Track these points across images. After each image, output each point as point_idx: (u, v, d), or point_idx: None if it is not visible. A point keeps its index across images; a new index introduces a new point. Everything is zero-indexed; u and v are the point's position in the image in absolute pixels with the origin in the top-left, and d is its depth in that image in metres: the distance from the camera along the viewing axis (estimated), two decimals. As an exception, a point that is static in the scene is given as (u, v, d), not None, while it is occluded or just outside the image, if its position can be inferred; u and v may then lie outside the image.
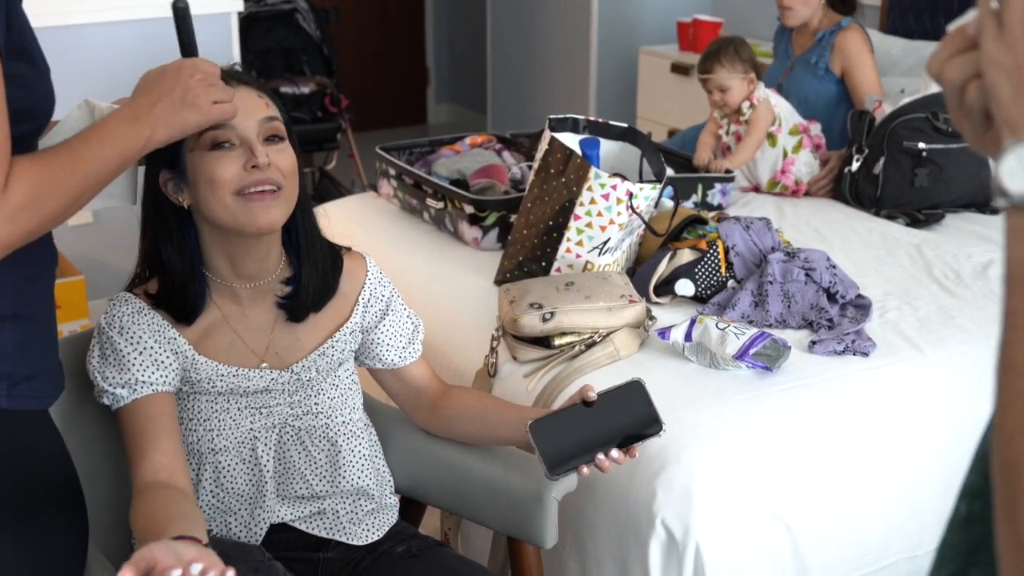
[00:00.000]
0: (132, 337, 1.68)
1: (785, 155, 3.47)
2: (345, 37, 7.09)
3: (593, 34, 5.54)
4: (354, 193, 5.02)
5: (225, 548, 1.55)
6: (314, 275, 1.77)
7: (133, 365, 1.68)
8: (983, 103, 0.79)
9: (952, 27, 0.86)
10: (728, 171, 3.28)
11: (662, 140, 4.03)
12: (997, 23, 0.79)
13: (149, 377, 1.68)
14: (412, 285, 2.79)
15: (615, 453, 1.67)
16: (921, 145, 3.27)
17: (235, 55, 4.32)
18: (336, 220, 3.27)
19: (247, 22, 5.26)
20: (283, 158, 1.66)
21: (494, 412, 1.90)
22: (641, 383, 1.73)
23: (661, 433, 1.70)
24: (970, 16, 0.84)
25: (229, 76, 1.66)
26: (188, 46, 1.59)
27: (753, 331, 2.17)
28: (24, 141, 1.39)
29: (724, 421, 2.04)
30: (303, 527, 1.83)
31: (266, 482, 1.78)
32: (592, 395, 1.71)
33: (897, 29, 4.30)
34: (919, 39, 4.13)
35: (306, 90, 5.21)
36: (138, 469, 1.64)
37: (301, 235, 1.77)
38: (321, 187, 5.54)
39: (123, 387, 1.68)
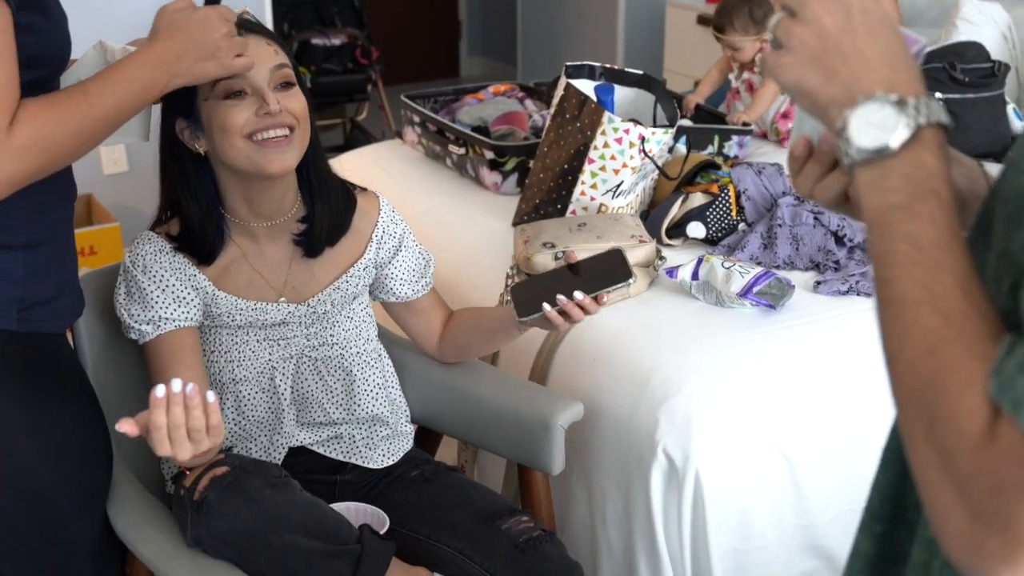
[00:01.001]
0: (155, 276, 1.78)
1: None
2: (377, -10, 7.15)
3: (621, -14, 5.58)
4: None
5: (243, 463, 1.65)
6: (327, 211, 1.86)
7: (156, 303, 1.77)
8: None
9: (792, 146, 0.97)
10: (746, 124, 3.32)
11: (686, 90, 4.07)
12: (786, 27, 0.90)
13: (171, 314, 1.78)
14: (433, 227, 2.88)
15: (579, 295, 1.76)
16: (938, 95, 3.30)
17: (266, 9, 4.40)
18: (362, 166, 3.39)
19: (279, -26, 5.33)
20: (294, 102, 1.74)
21: (487, 317, 2.02)
22: (621, 250, 1.81)
23: (630, 282, 1.76)
24: (808, 130, 0.97)
25: (241, 25, 1.73)
26: None
27: (758, 270, 2.24)
28: (42, 84, 1.48)
29: (727, 355, 2.12)
30: (320, 450, 1.93)
31: (284, 409, 1.88)
32: (576, 258, 1.82)
33: (923, -20, 4.31)
34: (945, -11, 4.14)
35: (337, 42, 5.29)
36: None
37: (313, 174, 1.86)
38: (352, 137, 5.63)
39: (148, 323, 1.78)
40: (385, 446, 1.99)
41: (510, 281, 2.43)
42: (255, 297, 1.84)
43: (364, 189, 1.98)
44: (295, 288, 1.87)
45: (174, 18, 1.56)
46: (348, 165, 3.42)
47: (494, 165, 3.00)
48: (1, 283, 1.51)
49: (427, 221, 2.93)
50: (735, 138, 3.27)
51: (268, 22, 4.40)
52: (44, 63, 1.49)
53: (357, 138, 5.51)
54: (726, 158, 3.23)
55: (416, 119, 3.33)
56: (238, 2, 1.82)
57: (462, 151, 3.10)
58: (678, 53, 5.21)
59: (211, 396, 1.43)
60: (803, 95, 0.90)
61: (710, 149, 3.22)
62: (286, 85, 1.75)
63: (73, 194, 1.68)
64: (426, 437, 2.20)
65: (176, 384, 1.40)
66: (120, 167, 4.23)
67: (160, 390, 1.39)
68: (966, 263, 0.80)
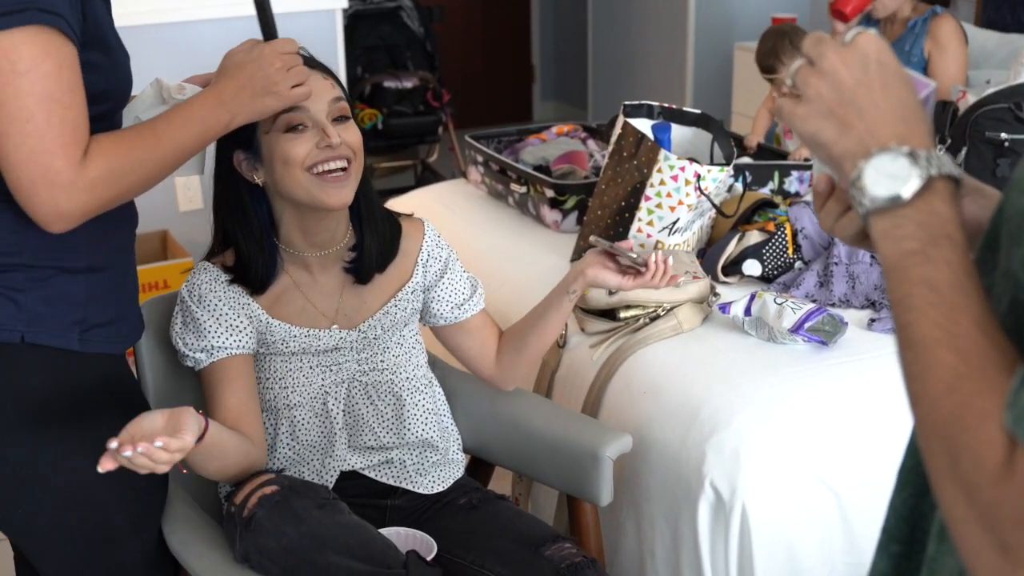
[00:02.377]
0: (209, 306, 1.84)
1: None
2: (450, 34, 7.26)
3: (690, 30, 5.62)
4: (454, 182, 5.19)
5: (293, 483, 1.69)
6: (376, 239, 1.91)
7: (210, 332, 1.84)
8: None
9: (815, 182, 1.00)
10: (807, 159, 3.33)
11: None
12: (805, 77, 0.91)
13: (224, 342, 1.84)
14: (494, 263, 2.92)
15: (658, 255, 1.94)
16: (1003, 135, 3.28)
17: (339, 51, 4.50)
18: (427, 204, 3.46)
19: (353, 20, 5.45)
20: (351, 135, 1.81)
21: (538, 305, 2.07)
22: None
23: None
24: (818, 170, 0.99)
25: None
26: (268, 29, 1.73)
27: (810, 306, 2.25)
28: (105, 119, 1.58)
29: (776, 390, 2.13)
30: (372, 475, 1.97)
31: (336, 433, 1.92)
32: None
33: (992, 23, 4.30)
34: (1014, 32, 4.12)
35: (409, 84, 5.39)
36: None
37: (363, 204, 1.91)
38: (423, 179, 5.71)
39: (201, 352, 1.84)
40: (436, 472, 2.03)
41: (564, 315, 2.46)
42: (308, 324, 1.89)
43: (410, 216, 2.03)
44: (346, 315, 1.92)
45: (235, 59, 1.65)
46: (413, 203, 3.48)
47: (554, 203, 3.04)
48: (63, 305, 1.59)
49: (489, 257, 2.97)
50: (795, 174, 3.28)
51: (341, 65, 4.50)
52: (106, 99, 1.58)
53: (427, 179, 5.58)
54: (786, 195, 3.24)
55: (480, 158, 3.39)
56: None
57: (523, 189, 3.15)
58: (746, 95, 5.23)
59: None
60: (818, 147, 0.92)
61: (770, 186, 3.23)
62: (343, 118, 1.81)
63: (134, 223, 1.76)
64: (478, 468, 2.23)
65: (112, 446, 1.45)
66: (195, 204, 4.34)
67: (112, 443, 1.45)
68: (982, 302, 0.81)
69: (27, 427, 1.58)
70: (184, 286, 1.88)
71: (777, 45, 3.42)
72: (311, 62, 1.83)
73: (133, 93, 1.70)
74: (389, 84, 5.30)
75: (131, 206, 1.72)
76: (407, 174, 5.97)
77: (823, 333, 2.24)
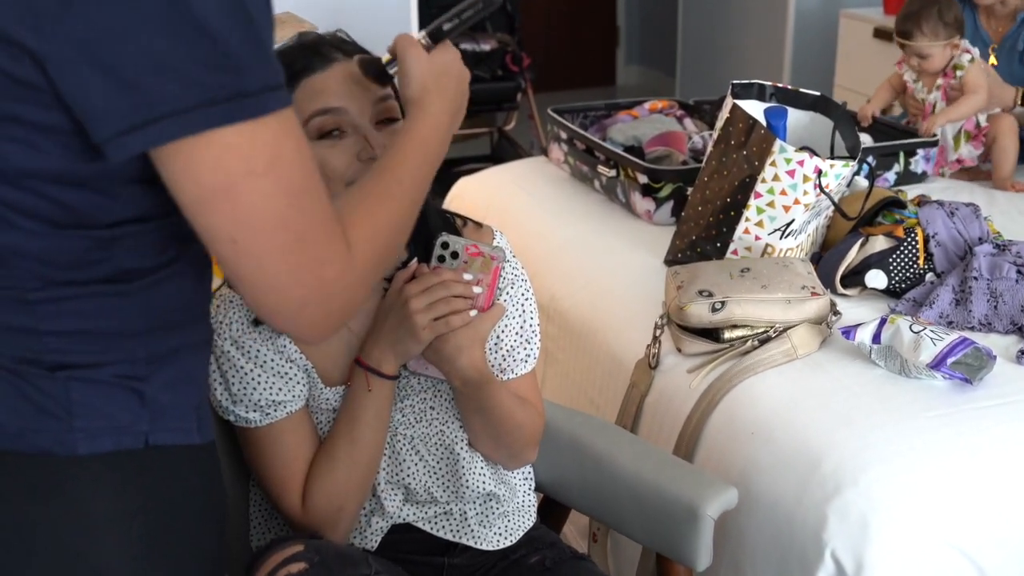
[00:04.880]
0: (249, 350, 1.51)
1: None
2: (533, -6, 6.93)
3: (792, -6, 5.21)
4: (532, 156, 4.85)
5: (325, 558, 1.38)
6: (425, 256, 1.57)
7: (258, 383, 1.51)
8: None
9: None
10: (934, 134, 2.96)
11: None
12: None
13: (279, 395, 1.51)
14: (574, 260, 2.60)
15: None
16: None
17: (412, 11, 4.17)
18: (504, 185, 3.12)
19: (431, -24, 5.12)
20: None
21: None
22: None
23: None
24: None
25: (336, 46, 1.48)
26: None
27: (953, 336, 1.89)
28: None
29: (912, 440, 1.78)
30: (427, 528, 1.66)
31: (381, 487, 1.61)
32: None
33: None
34: None
35: (486, 47, 5.05)
36: (296, 495, 1.55)
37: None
38: (499, 148, 5.40)
39: (255, 410, 1.52)
40: (502, 524, 1.71)
41: (659, 332, 2.12)
42: (342, 373, 1.57)
43: (479, 225, 1.69)
44: None
45: (440, 78, 1.35)
46: (486, 183, 3.16)
47: (648, 191, 2.69)
48: (184, 388, 1.21)
49: (569, 251, 2.64)
50: (921, 152, 2.91)
51: (415, 26, 4.18)
52: None
53: (504, 148, 5.27)
54: (914, 177, 2.90)
55: (563, 135, 3.04)
56: (331, 25, 1.57)
57: (612, 173, 2.81)
58: (851, 68, 4.82)
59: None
60: None
61: (896, 168, 2.88)
62: (390, 120, 1.48)
63: None
64: (552, 510, 1.92)
65: None
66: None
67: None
68: None
69: (157, 553, 1.19)
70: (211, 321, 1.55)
71: (923, 13, 3.00)
72: (348, 47, 1.50)
73: None
74: (466, 47, 4.95)
75: None
76: (482, 142, 5.64)
77: (967, 368, 1.89)
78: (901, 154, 2.92)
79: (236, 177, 1.01)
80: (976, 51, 3.07)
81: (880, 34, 4.58)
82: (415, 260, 1.55)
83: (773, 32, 5.39)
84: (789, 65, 5.28)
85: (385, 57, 1.40)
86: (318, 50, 1.47)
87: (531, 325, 1.65)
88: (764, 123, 2.27)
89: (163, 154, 0.99)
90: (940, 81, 3.07)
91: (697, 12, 6.21)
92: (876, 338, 1.95)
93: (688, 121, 3.12)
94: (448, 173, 3.72)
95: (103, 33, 0.95)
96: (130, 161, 1.01)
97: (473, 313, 1.50)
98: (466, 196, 3.19)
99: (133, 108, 0.97)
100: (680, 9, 6.34)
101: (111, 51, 0.96)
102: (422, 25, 4.58)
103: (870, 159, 2.81)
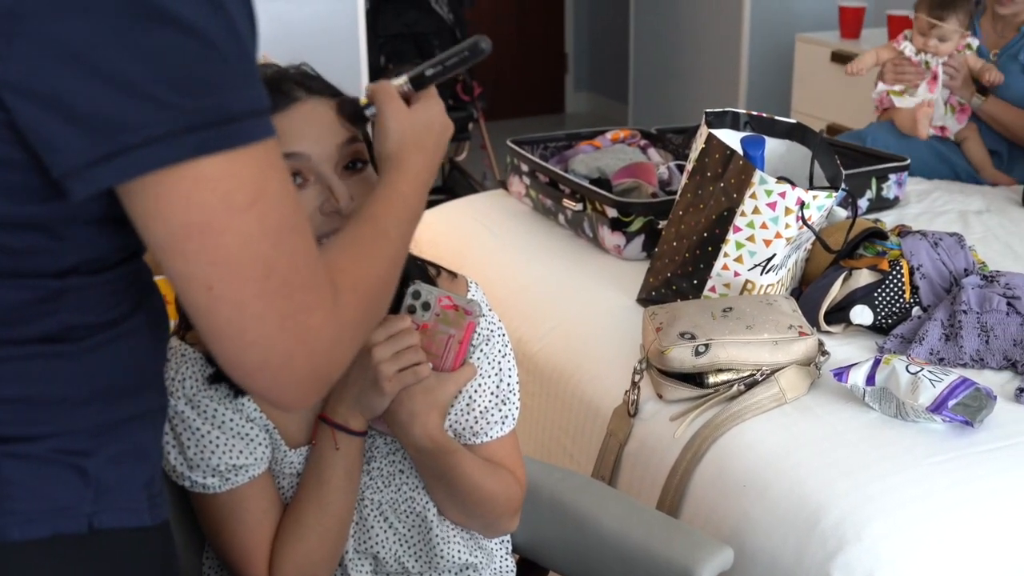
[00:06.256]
0: (205, 410, 1.37)
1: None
2: (481, 21, 6.81)
3: (746, 19, 5.12)
4: (485, 187, 4.71)
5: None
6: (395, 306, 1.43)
7: (217, 446, 1.36)
8: None
9: None
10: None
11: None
12: None
13: (239, 459, 1.37)
14: (541, 299, 2.47)
15: None
16: None
17: (361, 39, 4.05)
18: (463, 221, 2.99)
19: (376, 4, 4.99)
20: (367, 190, 1.30)
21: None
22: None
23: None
24: None
25: (299, 83, 1.34)
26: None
27: (953, 377, 1.79)
28: None
29: (915, 488, 1.67)
30: (399, 596, 1.52)
31: (345, 565, 1.47)
32: None
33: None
34: None
35: (437, 77, 4.92)
36: (262, 566, 1.41)
37: None
38: (451, 179, 5.26)
39: (213, 476, 1.37)
40: (478, 591, 1.57)
41: (638, 378, 2.00)
42: (308, 426, 1.43)
43: (453, 274, 1.55)
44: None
45: (420, 134, 1.25)
46: (448, 218, 3.03)
47: (617, 224, 2.57)
48: (133, 463, 1.06)
49: (536, 291, 2.52)
50: (893, 177, 2.84)
51: (363, 55, 4.05)
52: None
53: (456, 180, 5.13)
54: (886, 203, 2.87)
55: (524, 167, 2.92)
56: (296, 58, 1.44)
57: (579, 207, 2.69)
58: (808, 93, 4.75)
59: None
60: None
61: (868, 194, 2.79)
62: (356, 164, 1.34)
63: None
64: (530, 573, 1.79)
65: None
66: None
67: None
68: None
69: None
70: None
71: (958, 2, 3.18)
72: (312, 84, 1.36)
73: None
74: (415, 76, 4.83)
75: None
76: (433, 172, 5.51)
77: (967, 410, 1.78)
78: (873, 179, 2.83)
79: (214, 214, 0.88)
80: (976, 42, 3.26)
81: (837, 58, 4.52)
82: None
83: (728, 57, 5.32)
84: (744, 90, 5.21)
85: (363, 99, 1.27)
86: (279, 87, 1.33)
87: (508, 384, 1.52)
88: (742, 153, 2.16)
89: (131, 189, 0.87)
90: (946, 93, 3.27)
91: (648, 37, 6.13)
92: (870, 380, 1.84)
93: (652, 151, 3.01)
94: (402, 207, 3.58)
95: (60, 53, 0.83)
96: (88, 200, 0.88)
97: (429, 371, 1.38)
98: (422, 231, 3.04)
99: (97, 137, 0.84)
100: (631, 34, 6.26)
101: (71, 73, 0.83)
102: (369, 34, 4.46)
103: (843, 186, 2.72)
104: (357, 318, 1.02)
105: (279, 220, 0.92)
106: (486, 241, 2.83)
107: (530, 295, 2.52)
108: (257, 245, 0.90)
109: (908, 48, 3.28)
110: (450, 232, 2.95)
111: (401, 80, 1.26)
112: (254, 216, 0.90)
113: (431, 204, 3.23)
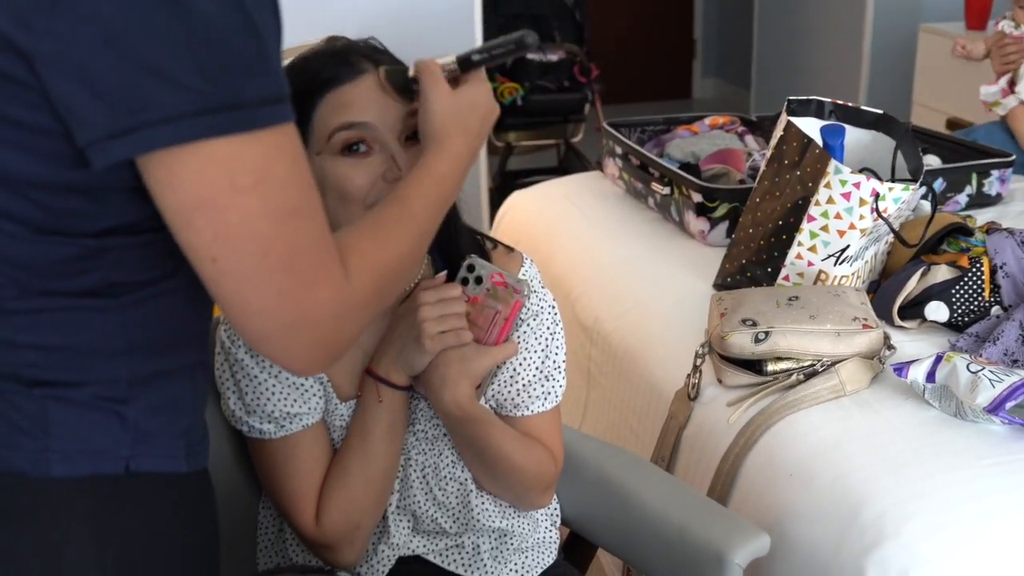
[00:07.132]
0: (262, 359, 1.44)
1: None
2: (608, 4, 6.82)
3: (869, 7, 5.02)
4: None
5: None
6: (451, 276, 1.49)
7: (273, 393, 1.44)
8: None
9: None
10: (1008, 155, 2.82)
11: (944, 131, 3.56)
12: None
13: (294, 407, 1.45)
14: (621, 281, 2.49)
15: None
16: None
17: (476, 20, 4.09)
18: (555, 200, 3.02)
19: (496, -15, 5.04)
20: None
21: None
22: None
23: None
24: None
25: (361, 55, 1.40)
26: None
27: (1014, 379, 1.75)
28: None
29: (963, 489, 1.64)
30: (437, 560, 1.57)
31: (388, 517, 1.52)
32: None
33: None
34: None
35: (554, 58, 4.94)
36: (310, 511, 1.48)
37: (444, 232, 1.48)
38: (566, 161, 5.29)
39: (270, 422, 1.45)
40: (518, 559, 1.61)
41: (699, 361, 2.00)
42: (355, 381, 1.49)
43: (510, 249, 1.59)
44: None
45: (464, 116, 1.29)
46: (543, 198, 3.06)
47: (702, 210, 2.57)
48: (170, 414, 1.14)
49: (617, 271, 2.53)
50: (995, 173, 2.75)
51: (478, 36, 4.09)
52: None
53: (571, 162, 5.15)
54: (987, 200, 2.76)
55: (619, 150, 2.94)
56: (364, 32, 1.48)
57: (667, 191, 2.69)
58: (931, 84, 4.64)
59: None
60: None
61: (968, 190, 2.72)
62: (418, 136, 1.39)
63: None
64: (577, 547, 1.82)
65: None
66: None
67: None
68: None
69: None
70: (222, 330, 1.48)
71: None
72: (376, 56, 1.41)
73: None
74: (532, 57, 4.84)
75: None
76: (549, 154, 5.53)
77: (1028, 413, 1.75)
78: (973, 175, 2.77)
79: (218, 192, 0.94)
80: None
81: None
82: (443, 274, 1.47)
83: (850, 45, 5.22)
84: (866, 80, 5.11)
85: (411, 71, 1.31)
86: (347, 59, 1.39)
87: (554, 361, 1.55)
88: (820, 142, 2.14)
89: (148, 161, 0.94)
90: None
91: (772, 26, 6.05)
92: (930, 376, 1.82)
93: (749, 138, 2.99)
94: (514, 185, 3.63)
95: (93, 32, 0.89)
96: (118, 168, 0.96)
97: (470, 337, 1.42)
98: (518, 210, 3.10)
99: (118, 113, 0.91)
100: (756, 23, 6.19)
101: (100, 51, 0.90)
102: (488, 14, 4.49)
103: (939, 181, 2.66)
104: (368, 295, 1.06)
105: (282, 203, 0.97)
106: (577, 221, 2.86)
107: (612, 275, 2.54)
108: (256, 224, 0.96)
109: (1007, 25, 3.25)
110: (543, 211, 2.98)
111: (449, 59, 1.29)
112: (256, 197, 0.95)
113: (542, 174, 3.26)
